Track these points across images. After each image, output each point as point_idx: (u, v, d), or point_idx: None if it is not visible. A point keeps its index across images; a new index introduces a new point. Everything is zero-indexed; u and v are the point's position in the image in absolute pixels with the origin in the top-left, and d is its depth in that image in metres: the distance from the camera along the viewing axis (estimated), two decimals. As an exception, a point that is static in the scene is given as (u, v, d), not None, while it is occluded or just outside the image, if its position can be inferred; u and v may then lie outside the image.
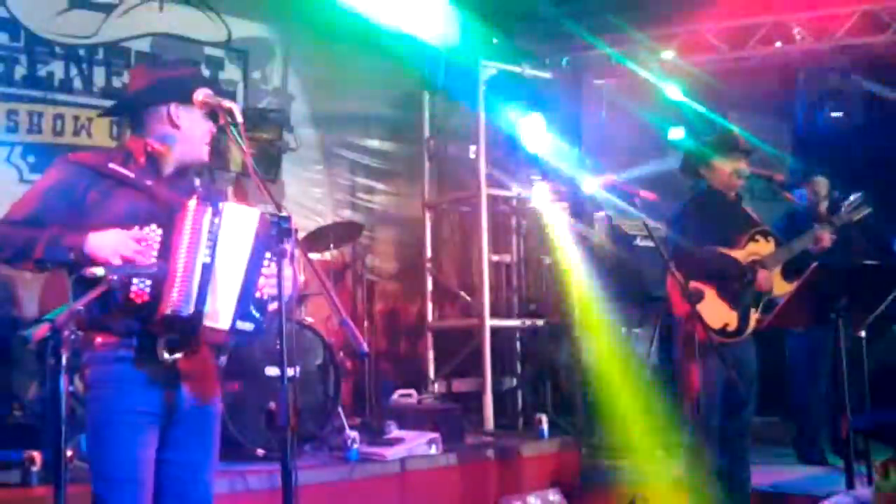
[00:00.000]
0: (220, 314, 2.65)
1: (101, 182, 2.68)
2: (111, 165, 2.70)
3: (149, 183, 2.71)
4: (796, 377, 5.79)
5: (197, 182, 2.83)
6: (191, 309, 2.58)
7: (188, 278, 2.58)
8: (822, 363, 5.56)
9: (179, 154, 2.79)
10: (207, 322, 2.63)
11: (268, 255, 2.64)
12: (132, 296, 2.56)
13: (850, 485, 3.98)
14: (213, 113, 2.72)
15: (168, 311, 2.56)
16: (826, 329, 4.63)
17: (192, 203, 2.63)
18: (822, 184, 5.64)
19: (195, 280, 2.59)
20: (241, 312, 2.66)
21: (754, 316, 4.27)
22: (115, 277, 2.52)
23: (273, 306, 2.65)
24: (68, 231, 2.59)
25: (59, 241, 2.56)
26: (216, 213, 2.65)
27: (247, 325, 2.68)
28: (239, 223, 2.66)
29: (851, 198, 4.41)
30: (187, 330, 2.65)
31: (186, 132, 2.78)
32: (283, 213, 2.43)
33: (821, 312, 3.57)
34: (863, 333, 3.97)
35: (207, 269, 2.61)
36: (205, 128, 2.79)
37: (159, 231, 2.60)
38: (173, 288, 2.57)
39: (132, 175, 2.70)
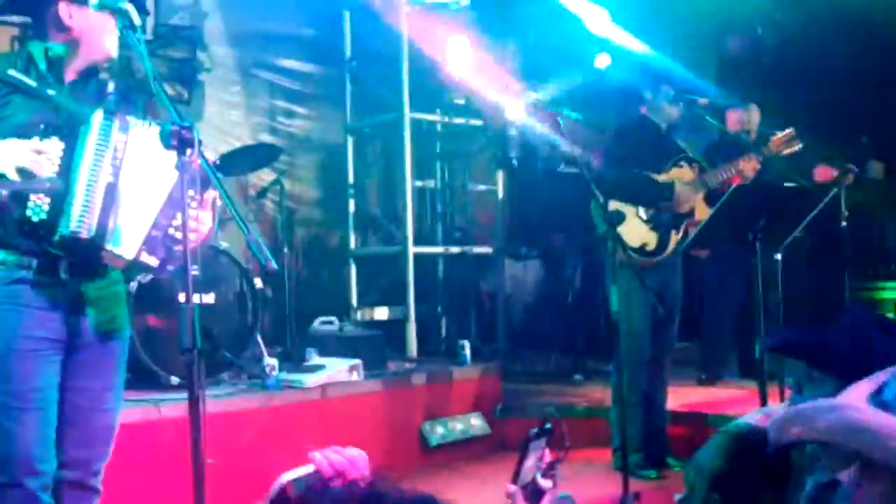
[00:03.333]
0: (124, 240, 2.51)
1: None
2: (10, 72, 2.51)
3: (51, 92, 2.53)
4: (706, 298, 5.90)
5: (110, 88, 2.64)
6: (91, 231, 2.45)
7: (89, 197, 2.44)
8: (732, 284, 5.67)
9: (81, 56, 2.61)
10: (109, 246, 2.49)
11: (191, 192, 2.43)
12: (28, 213, 2.40)
13: (764, 404, 4.09)
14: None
15: (66, 232, 2.42)
16: (737, 251, 4.72)
17: (97, 115, 2.48)
18: (755, 112, 5.65)
19: (97, 200, 2.45)
20: (149, 244, 2.53)
21: (675, 237, 4.33)
22: (6, 192, 2.37)
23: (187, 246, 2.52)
24: None
25: None
26: (123, 127, 2.49)
27: (152, 260, 2.55)
28: (151, 143, 2.47)
29: (784, 132, 4.40)
30: (87, 253, 2.52)
31: (82, 32, 2.58)
32: (185, 123, 2.28)
33: (739, 233, 3.60)
34: (779, 255, 4.05)
35: (111, 189, 2.47)
36: (104, 24, 2.58)
37: (61, 144, 2.43)
38: (73, 207, 2.43)
39: (33, 83, 2.52)
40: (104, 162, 2.47)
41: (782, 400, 3.86)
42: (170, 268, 2.57)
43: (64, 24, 2.58)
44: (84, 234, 2.44)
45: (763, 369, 3.64)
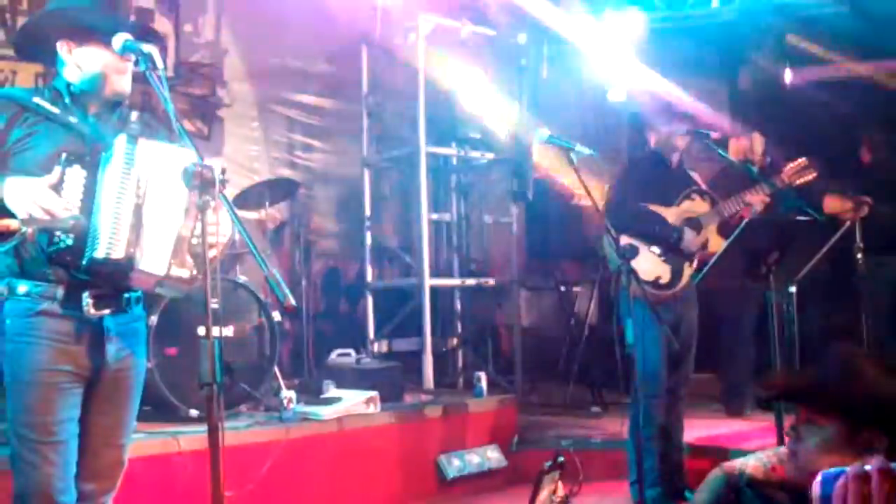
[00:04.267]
0: (154, 258, 2.53)
1: (26, 118, 2.55)
2: (36, 99, 2.57)
3: (73, 119, 2.58)
4: (722, 332, 5.89)
5: (134, 116, 2.67)
6: (122, 253, 2.47)
7: (117, 221, 2.46)
8: (748, 318, 5.66)
9: (96, 91, 2.65)
10: (142, 266, 2.51)
11: (206, 197, 2.45)
12: (55, 239, 2.44)
13: (781, 439, 4.07)
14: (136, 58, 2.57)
15: (96, 255, 2.44)
16: (753, 284, 4.70)
17: (121, 141, 2.50)
18: (758, 140, 5.66)
19: (125, 223, 2.47)
20: (177, 257, 2.55)
21: (688, 270, 4.33)
22: (31, 230, 2.42)
23: (211, 254, 2.56)
24: None
25: None
26: (146, 150, 2.53)
27: (183, 272, 2.57)
28: (173, 164, 2.52)
29: (796, 161, 4.39)
30: (117, 276, 2.54)
31: (90, 70, 2.63)
32: (207, 163, 2.34)
33: (752, 267, 3.60)
34: (793, 288, 4.04)
35: (139, 211, 2.49)
36: (111, 62, 2.61)
37: (83, 172, 2.47)
38: (100, 232, 2.45)
39: (57, 110, 2.57)
40: (130, 185, 2.49)
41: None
42: (199, 277, 2.55)
43: (67, 62, 2.63)
44: (115, 257, 2.46)
45: (779, 405, 3.62)
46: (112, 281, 2.57)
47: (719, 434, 5.31)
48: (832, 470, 1.46)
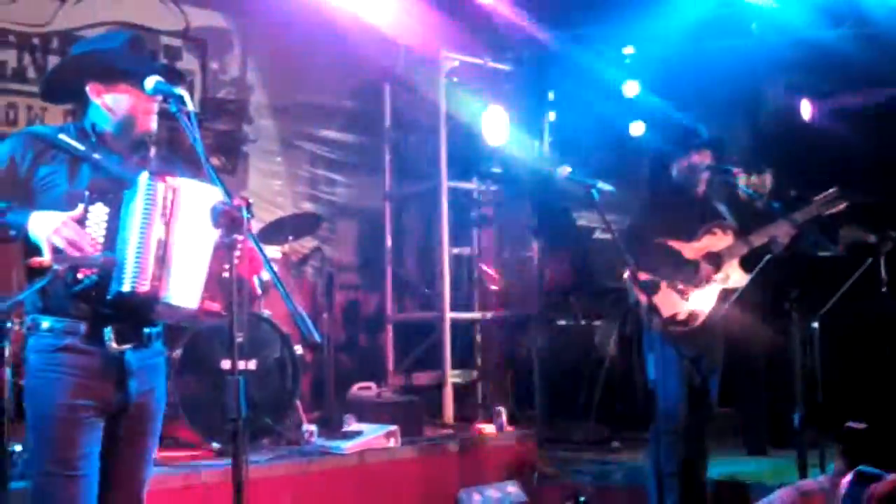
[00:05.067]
0: (186, 291, 2.57)
1: (53, 155, 2.60)
2: (61, 136, 2.63)
3: (97, 156, 2.62)
4: (734, 368, 5.82)
5: (152, 152, 2.73)
6: (147, 286, 2.50)
7: (141, 255, 2.50)
8: (759, 354, 5.60)
9: (123, 132, 2.71)
10: (171, 301, 2.55)
11: (239, 237, 2.49)
12: (80, 276, 2.47)
13: (804, 474, 4.04)
14: (164, 98, 2.63)
15: (121, 289, 2.47)
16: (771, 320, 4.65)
17: (144, 177, 2.55)
18: (768, 178, 5.65)
19: (149, 257, 2.51)
20: (209, 290, 2.59)
21: (709, 304, 4.30)
22: (62, 267, 2.46)
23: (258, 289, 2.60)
24: (13, 207, 2.50)
25: (3, 216, 2.47)
26: (170, 186, 2.58)
27: (214, 306, 2.61)
28: (198, 199, 2.58)
29: (827, 192, 4.37)
30: (141, 310, 2.58)
31: (118, 111, 2.69)
32: (236, 203, 2.38)
33: (774, 303, 3.60)
34: (816, 324, 4.02)
35: (163, 245, 2.53)
36: (138, 103, 2.68)
37: (106, 209, 2.51)
38: (125, 267, 2.49)
39: (81, 147, 2.62)
40: (154, 219, 2.53)
41: (822, 471, 3.82)
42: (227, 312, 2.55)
43: (97, 104, 2.68)
44: (141, 290, 2.49)
45: (802, 440, 3.59)
46: (137, 314, 2.60)
47: (741, 471, 5.25)
48: (870, 468, 1.46)
